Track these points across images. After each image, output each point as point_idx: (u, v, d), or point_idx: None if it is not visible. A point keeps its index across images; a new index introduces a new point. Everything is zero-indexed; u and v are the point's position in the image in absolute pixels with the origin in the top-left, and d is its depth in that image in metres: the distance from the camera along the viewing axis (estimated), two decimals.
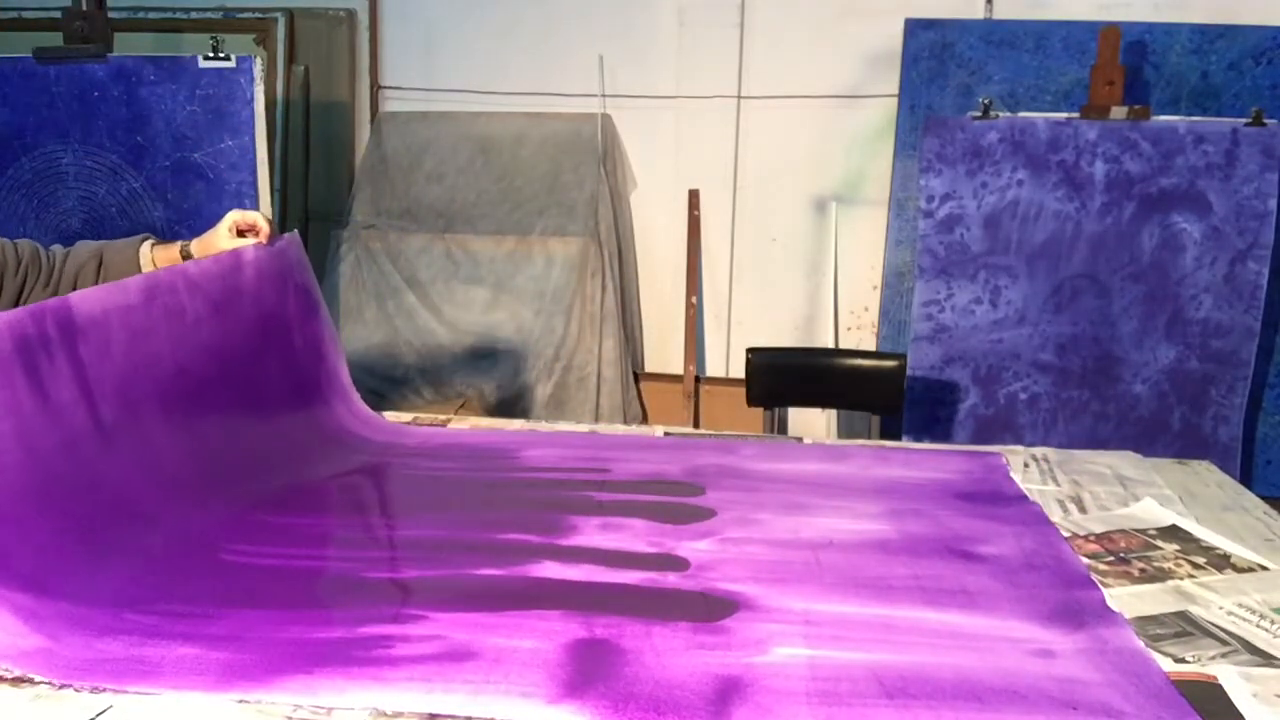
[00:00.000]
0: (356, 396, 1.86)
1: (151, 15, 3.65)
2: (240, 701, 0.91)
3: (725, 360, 3.53)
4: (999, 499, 1.48)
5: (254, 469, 1.54)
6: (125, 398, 1.29)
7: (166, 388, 1.37)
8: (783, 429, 2.64)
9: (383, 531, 1.38)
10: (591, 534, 1.33)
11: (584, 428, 1.89)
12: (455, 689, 0.94)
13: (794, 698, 0.93)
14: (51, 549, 1.17)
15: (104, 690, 0.92)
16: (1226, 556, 1.27)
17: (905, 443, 2.34)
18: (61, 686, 0.93)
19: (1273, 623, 1.08)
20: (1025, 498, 1.48)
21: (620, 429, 1.89)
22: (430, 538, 1.34)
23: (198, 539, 1.30)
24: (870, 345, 3.44)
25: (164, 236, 2.79)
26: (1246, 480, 2.76)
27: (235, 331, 1.56)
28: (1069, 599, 1.14)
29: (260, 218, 1.67)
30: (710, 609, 1.12)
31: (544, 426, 1.89)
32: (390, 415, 1.95)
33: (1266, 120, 2.66)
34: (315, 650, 1.01)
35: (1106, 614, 1.10)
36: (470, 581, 1.19)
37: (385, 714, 0.89)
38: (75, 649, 0.99)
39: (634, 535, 1.33)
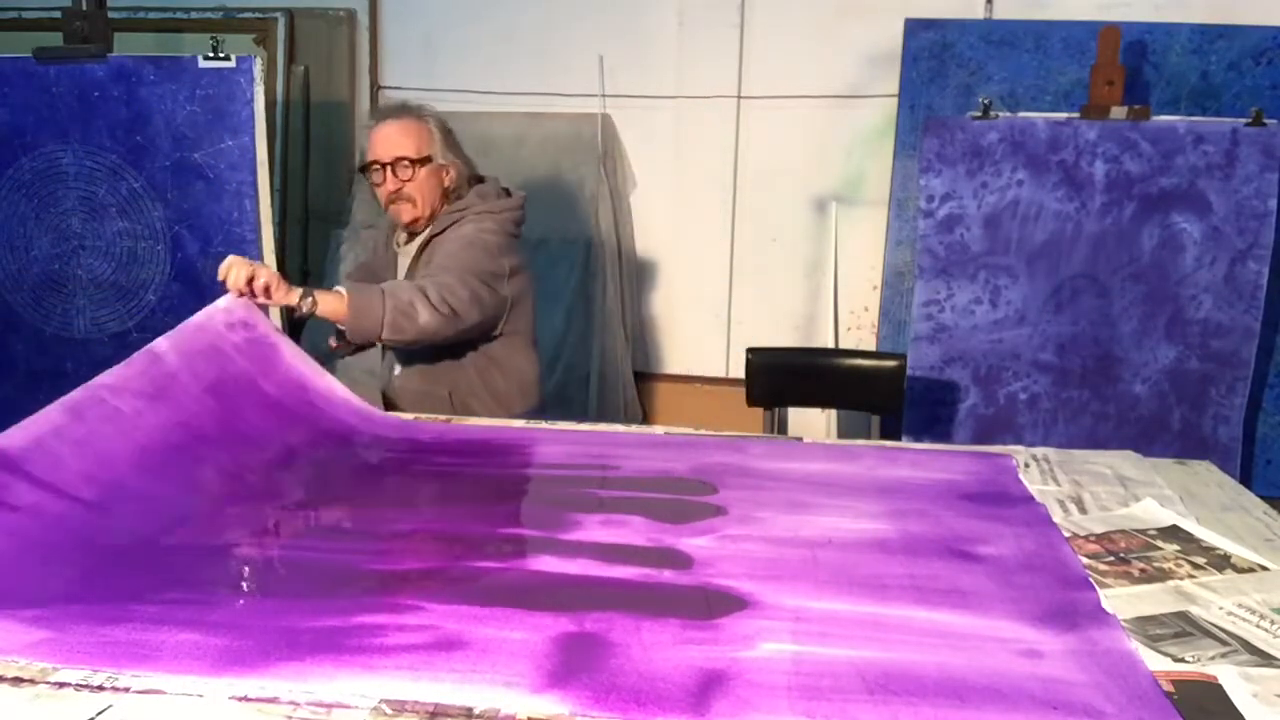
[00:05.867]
0: (362, 403, 1.87)
1: (151, 15, 3.66)
2: (240, 700, 0.91)
3: (725, 360, 3.53)
4: (1005, 500, 1.48)
5: (265, 478, 1.55)
6: (102, 484, 1.34)
7: (144, 471, 1.42)
8: (783, 429, 2.64)
9: (388, 525, 1.38)
10: (593, 529, 1.34)
11: (586, 427, 1.89)
12: (442, 678, 0.95)
13: (775, 691, 0.93)
14: (59, 559, 1.19)
15: (103, 689, 0.92)
16: (1226, 557, 1.27)
17: (908, 443, 2.34)
18: (61, 686, 0.93)
19: (1273, 623, 1.08)
20: (1032, 499, 1.48)
21: (621, 428, 1.89)
22: (433, 530, 1.34)
23: (207, 532, 1.31)
24: (870, 345, 3.44)
25: (164, 237, 2.81)
26: (1246, 480, 2.76)
27: (184, 414, 1.56)
28: (1063, 600, 1.14)
29: None
30: (703, 605, 1.12)
31: (545, 425, 1.90)
32: (390, 415, 1.95)
33: (1266, 120, 2.67)
34: (309, 638, 1.02)
35: (1100, 615, 1.10)
36: (468, 574, 1.20)
37: (385, 712, 0.89)
38: (79, 635, 1.01)
39: (634, 531, 1.33)
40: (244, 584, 1.16)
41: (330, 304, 1.89)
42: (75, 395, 1.45)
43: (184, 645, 1.00)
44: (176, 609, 1.08)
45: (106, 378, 1.51)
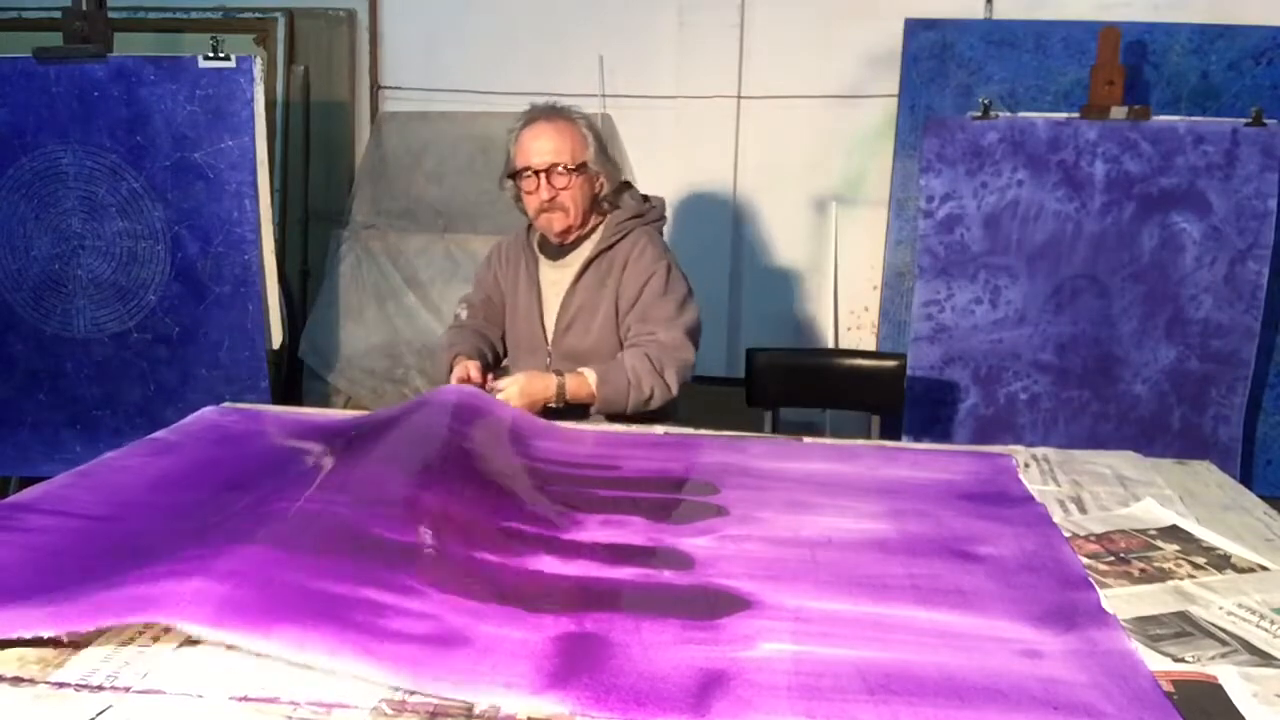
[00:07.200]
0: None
1: (151, 15, 3.66)
2: (240, 700, 0.91)
3: (725, 360, 3.53)
4: (1004, 500, 1.47)
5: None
6: (114, 505, 1.36)
7: (159, 490, 1.44)
8: (783, 429, 2.64)
9: (399, 490, 1.33)
10: (593, 529, 1.33)
11: (586, 426, 1.89)
12: (443, 675, 0.94)
13: (775, 691, 0.93)
14: (71, 559, 1.18)
15: (103, 689, 0.92)
16: (1227, 557, 1.26)
17: (909, 443, 2.34)
18: (61, 686, 0.93)
19: (1272, 623, 1.08)
20: (1032, 499, 1.47)
21: (621, 428, 1.89)
22: (438, 507, 1.31)
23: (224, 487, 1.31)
24: (870, 345, 3.44)
25: (163, 237, 2.81)
26: (1246, 480, 2.76)
27: (195, 457, 1.61)
28: (1063, 600, 1.14)
29: None
30: (703, 605, 1.12)
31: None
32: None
33: (1266, 120, 2.67)
34: (312, 602, 1.00)
35: (1100, 615, 1.10)
36: (469, 564, 1.19)
37: (385, 712, 0.89)
38: (81, 600, 1.00)
39: (634, 531, 1.33)
40: (250, 532, 1.13)
41: (578, 391, 2.00)
42: (82, 467, 1.50)
43: (186, 593, 0.97)
44: (184, 563, 1.05)
45: (106, 456, 1.56)
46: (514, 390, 1.92)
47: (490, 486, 1.46)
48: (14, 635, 0.96)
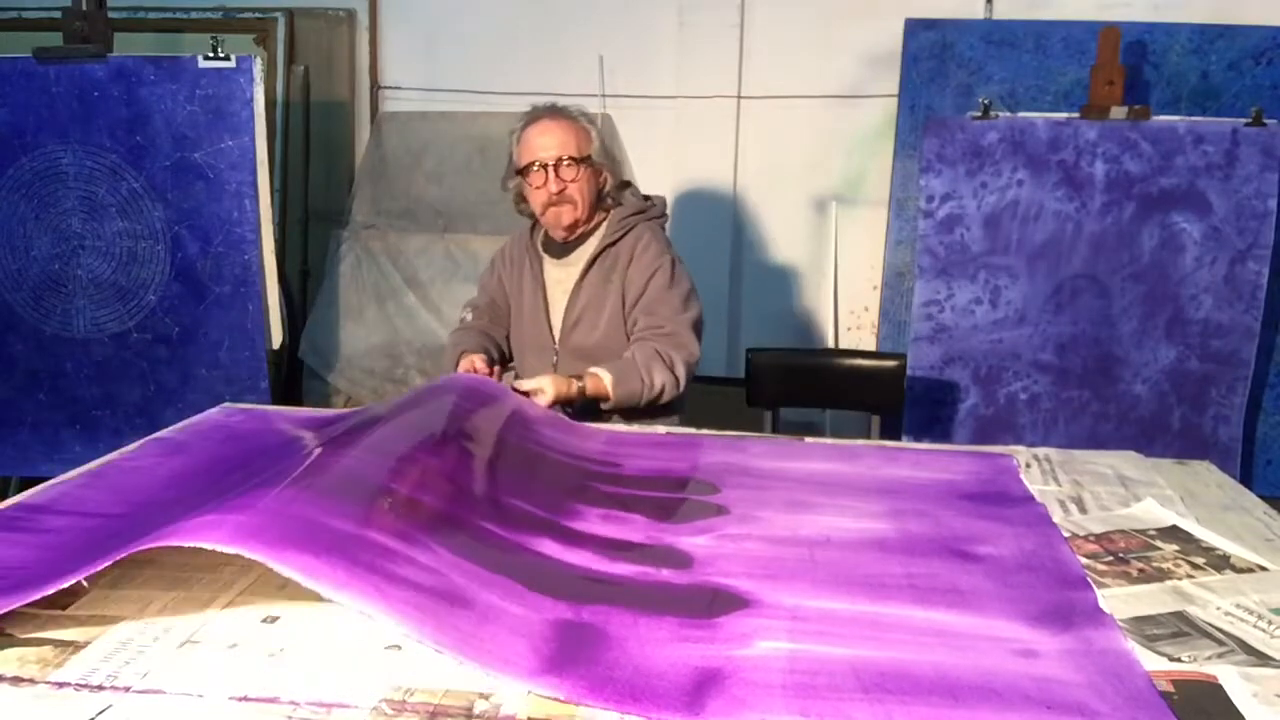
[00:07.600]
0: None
1: (151, 15, 3.66)
2: (240, 700, 0.91)
3: (725, 360, 3.53)
4: (1005, 500, 1.47)
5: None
6: (132, 504, 1.35)
7: (176, 487, 1.43)
8: (783, 429, 2.64)
9: (408, 453, 1.33)
10: (594, 523, 1.34)
11: (586, 425, 1.89)
12: (445, 630, 0.94)
13: (770, 689, 0.93)
14: (89, 552, 1.18)
15: (103, 689, 0.92)
16: (1226, 557, 1.27)
17: (909, 443, 2.34)
18: (61, 686, 0.93)
19: (1270, 623, 1.08)
20: (1032, 499, 1.47)
21: (622, 428, 1.89)
22: (449, 474, 1.32)
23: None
24: (870, 345, 3.44)
25: (163, 237, 2.81)
26: (1246, 480, 2.76)
27: (205, 456, 1.61)
28: (1060, 600, 1.14)
29: None
30: (700, 604, 1.12)
31: None
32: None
33: (1266, 120, 2.67)
34: (322, 535, 1.01)
35: (1097, 615, 1.10)
36: (473, 531, 1.19)
37: (385, 711, 0.90)
38: (84, 551, 1.01)
39: (634, 529, 1.33)
40: (261, 475, 1.14)
41: (596, 391, 2.00)
42: (91, 466, 1.49)
43: (204, 523, 0.98)
44: (203, 503, 1.06)
45: (116, 455, 1.56)
46: (547, 396, 1.91)
47: (498, 461, 1.46)
48: (34, 598, 0.98)
